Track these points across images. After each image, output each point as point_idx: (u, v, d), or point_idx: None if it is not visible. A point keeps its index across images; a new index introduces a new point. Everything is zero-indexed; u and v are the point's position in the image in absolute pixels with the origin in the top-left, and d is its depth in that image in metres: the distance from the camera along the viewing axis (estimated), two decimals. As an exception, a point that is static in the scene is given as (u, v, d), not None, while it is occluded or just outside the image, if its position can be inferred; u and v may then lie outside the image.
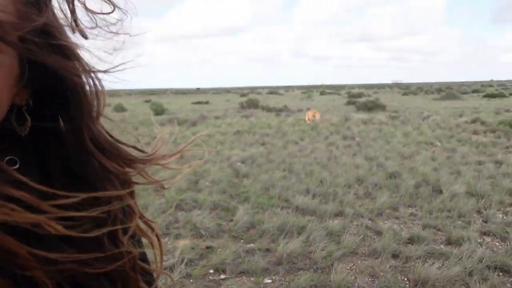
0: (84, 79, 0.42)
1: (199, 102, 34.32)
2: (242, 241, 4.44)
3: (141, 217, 0.52)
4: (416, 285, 3.44)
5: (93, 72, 0.42)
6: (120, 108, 25.62)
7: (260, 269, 3.71)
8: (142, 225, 0.53)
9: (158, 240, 0.55)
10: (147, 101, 35.16)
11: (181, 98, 48.28)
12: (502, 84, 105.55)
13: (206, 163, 8.19)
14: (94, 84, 0.43)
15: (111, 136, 0.48)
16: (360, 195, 5.99)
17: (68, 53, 0.40)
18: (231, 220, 4.96)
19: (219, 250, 4.14)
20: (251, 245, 4.31)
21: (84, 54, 0.41)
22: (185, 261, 3.78)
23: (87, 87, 0.42)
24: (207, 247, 4.24)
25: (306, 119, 15.20)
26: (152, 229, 0.54)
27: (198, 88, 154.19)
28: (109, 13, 0.42)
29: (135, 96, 36.29)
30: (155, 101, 26.54)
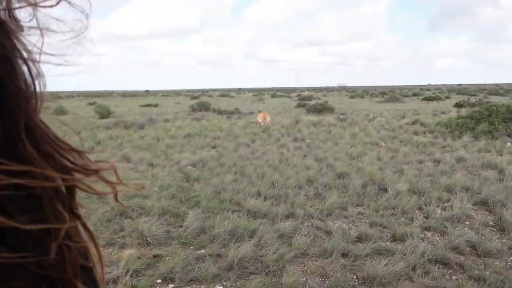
0: (22, 69, 0.37)
1: (148, 105, 33.32)
2: (192, 247, 4.30)
3: (83, 224, 0.45)
4: (365, 282, 3.52)
5: (33, 61, 0.38)
6: (60, 111, 24.12)
7: (210, 275, 3.61)
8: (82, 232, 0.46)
9: (97, 249, 0.48)
10: (91, 104, 33.50)
11: (129, 101, 46.63)
12: (438, 88, 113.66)
13: (155, 168, 7.92)
14: (31, 75, 0.38)
15: (57, 138, 0.42)
16: (311, 196, 6.08)
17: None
18: (181, 226, 4.80)
19: (167, 258, 3.97)
20: (202, 251, 4.19)
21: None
22: (131, 272, 3.58)
23: (24, 79, 0.37)
24: (155, 256, 4.05)
25: (260, 121, 15.29)
26: (92, 237, 0.47)
27: (147, 91, 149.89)
28: (52, 6, 0.38)
29: (78, 99, 34.41)
30: (101, 103, 25.35)
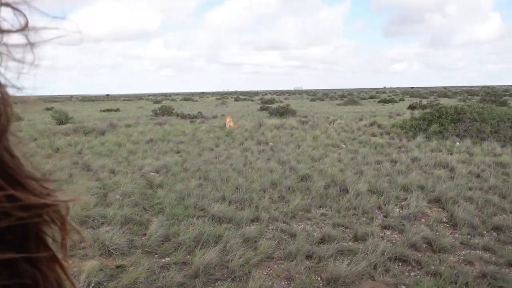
0: None
1: (109, 110, 32.28)
2: (156, 256, 4.22)
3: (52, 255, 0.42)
4: (329, 283, 3.62)
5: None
6: (14, 118, 22.75)
7: (176, 284, 3.56)
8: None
9: (69, 279, 0.45)
10: (48, 109, 31.95)
11: (89, 106, 44.91)
12: (393, 90, 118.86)
13: (117, 174, 7.68)
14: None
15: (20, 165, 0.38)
16: (275, 199, 6.16)
17: None
18: (144, 234, 4.70)
19: (131, 268, 3.87)
20: (166, 259, 4.12)
21: None
22: (92, 284, 3.46)
23: None
24: (118, 266, 3.93)
25: (231, 125, 15.28)
26: (62, 267, 0.43)
27: (108, 95, 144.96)
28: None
29: (33, 104, 32.61)
30: (59, 108, 24.21)
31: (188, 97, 71.85)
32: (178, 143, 11.76)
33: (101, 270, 3.79)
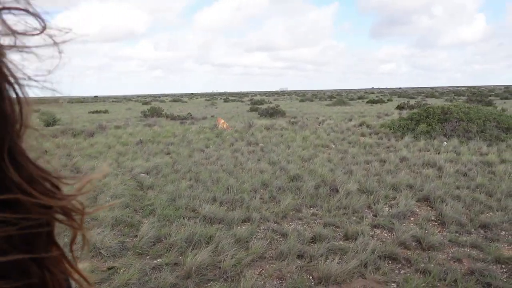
0: (8, 93, 0.36)
1: (97, 111, 31.91)
2: (148, 257, 4.21)
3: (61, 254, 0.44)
4: (321, 282, 3.65)
5: (19, 85, 0.37)
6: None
7: (168, 285, 3.55)
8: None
9: (80, 274, 0.46)
10: (35, 111, 31.43)
11: (77, 107, 44.35)
12: (381, 91, 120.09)
13: (107, 176, 7.61)
14: (18, 99, 0.37)
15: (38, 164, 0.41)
16: (266, 199, 6.18)
17: None
18: (136, 236, 4.68)
19: (122, 270, 3.85)
20: (158, 260, 4.11)
21: None
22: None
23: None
24: (109, 268, 3.91)
25: (225, 126, 15.24)
26: (70, 264, 0.45)
27: (96, 96, 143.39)
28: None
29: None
30: (45, 110, 23.93)
31: (177, 98, 71.52)
32: (168, 145, 11.71)
33: (93, 272, 3.77)
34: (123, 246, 4.40)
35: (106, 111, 32.43)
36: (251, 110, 29.69)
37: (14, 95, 0.37)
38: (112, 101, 69.04)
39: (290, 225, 5.19)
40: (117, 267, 3.93)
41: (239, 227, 4.96)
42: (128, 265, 3.93)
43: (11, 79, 0.36)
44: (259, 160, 9.24)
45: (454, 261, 4.09)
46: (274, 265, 4.02)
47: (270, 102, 42.04)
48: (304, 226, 5.13)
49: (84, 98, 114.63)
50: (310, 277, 3.78)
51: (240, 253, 4.17)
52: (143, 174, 7.78)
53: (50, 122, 19.00)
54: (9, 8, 0.35)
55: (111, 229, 4.78)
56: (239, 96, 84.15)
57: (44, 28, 0.37)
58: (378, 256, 4.09)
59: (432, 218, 5.36)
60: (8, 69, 0.36)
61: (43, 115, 19.94)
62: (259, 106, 31.63)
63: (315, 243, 4.52)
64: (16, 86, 0.37)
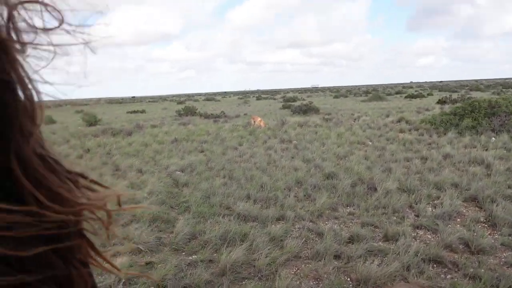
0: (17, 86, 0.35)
1: (135, 111, 32.98)
2: (183, 253, 4.21)
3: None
4: (359, 284, 3.49)
5: (34, 87, 0.36)
6: (49, 120, 23.73)
7: (203, 282, 3.53)
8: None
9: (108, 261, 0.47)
10: (78, 112, 33.05)
11: (116, 108, 46.06)
12: (420, 85, 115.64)
13: (144, 174, 7.78)
14: (28, 93, 0.36)
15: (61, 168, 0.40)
16: (300, 197, 6.05)
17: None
18: (172, 232, 4.70)
19: (159, 265, 3.88)
20: (193, 257, 4.10)
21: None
22: (123, 280, 3.47)
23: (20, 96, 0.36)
24: (147, 263, 3.95)
25: (260, 124, 15.22)
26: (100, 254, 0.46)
27: (134, 97, 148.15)
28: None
29: (65, 107, 34.11)
30: (88, 111, 25.02)
31: (210, 97, 72.52)
32: (202, 143, 11.82)
33: (131, 266, 3.82)
34: (160, 242, 4.44)
35: (143, 111, 33.41)
36: (284, 107, 29.48)
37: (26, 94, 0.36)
38: (149, 101, 71.08)
39: (326, 224, 5.03)
40: (154, 262, 3.96)
41: (273, 226, 4.87)
42: (165, 260, 3.95)
43: (27, 81, 0.35)
44: (292, 157, 9.10)
45: (508, 267, 3.77)
46: (310, 265, 3.89)
47: (303, 99, 41.61)
48: (341, 226, 4.96)
49: (122, 98, 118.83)
50: (348, 279, 3.62)
51: (275, 251, 4.08)
52: (178, 172, 7.87)
53: (92, 122, 19.81)
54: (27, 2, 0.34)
55: (149, 225, 4.84)
56: (271, 94, 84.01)
57: (61, 22, 0.36)
58: (421, 259, 3.86)
59: (481, 220, 5.00)
60: (24, 69, 0.35)
61: (86, 116, 20.84)
62: (292, 103, 31.36)
63: (353, 243, 4.34)
64: (32, 88, 0.36)
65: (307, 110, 22.64)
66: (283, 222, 5.05)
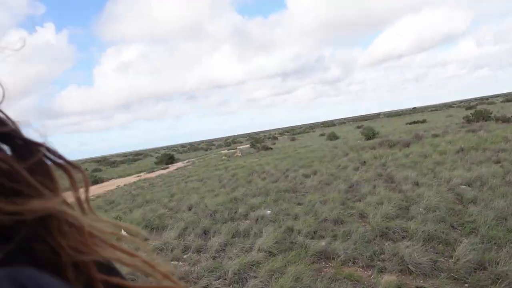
0: None
1: (415, 122, 31.87)
2: (466, 285, 3.47)
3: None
4: None
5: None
6: (333, 136, 26.73)
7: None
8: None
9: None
10: (359, 127, 35.39)
11: (395, 120, 46.12)
12: None
13: (420, 187, 7.18)
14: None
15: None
16: None
17: None
18: (451, 257, 4.01)
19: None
20: (481, 292, 3.30)
21: None
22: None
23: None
24: (417, 287, 3.51)
25: None
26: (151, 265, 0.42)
27: (414, 108, 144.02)
28: None
29: (348, 124, 37.41)
30: (367, 125, 26.38)
31: (511, 98, 59.87)
32: (498, 152, 9.74)
33: (399, 287, 3.49)
34: (435, 265, 3.86)
35: (423, 121, 31.68)
36: None
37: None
38: (431, 110, 66.85)
39: None
40: (425, 287, 3.47)
41: None
42: (440, 288, 3.38)
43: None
44: None
45: None
46: None
47: None
48: None
49: (402, 110, 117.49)
50: None
51: None
52: (464, 186, 6.76)
53: (370, 135, 20.53)
54: None
55: (422, 244, 4.33)
56: None
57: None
58: None
59: None
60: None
61: (364, 130, 21.89)
62: None
63: None
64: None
65: None
66: None
